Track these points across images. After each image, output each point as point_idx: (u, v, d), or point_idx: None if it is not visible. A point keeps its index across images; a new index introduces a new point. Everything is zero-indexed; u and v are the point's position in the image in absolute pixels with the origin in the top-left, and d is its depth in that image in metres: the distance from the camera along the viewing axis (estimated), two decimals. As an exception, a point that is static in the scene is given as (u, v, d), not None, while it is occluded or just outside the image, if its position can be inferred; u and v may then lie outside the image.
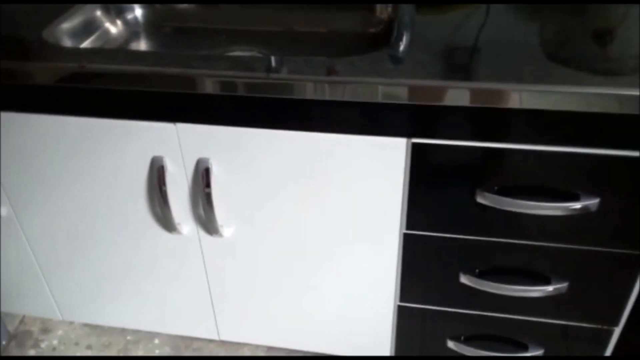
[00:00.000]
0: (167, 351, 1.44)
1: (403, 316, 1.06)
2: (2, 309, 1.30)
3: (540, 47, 0.82)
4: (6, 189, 1.04)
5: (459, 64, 0.80)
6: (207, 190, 0.94)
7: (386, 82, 0.78)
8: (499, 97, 0.77)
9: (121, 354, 1.44)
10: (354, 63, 0.81)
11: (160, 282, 1.12)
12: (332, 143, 0.87)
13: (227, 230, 1.00)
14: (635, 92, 0.73)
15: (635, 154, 0.79)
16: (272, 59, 0.82)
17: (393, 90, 0.78)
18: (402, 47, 0.84)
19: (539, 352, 1.04)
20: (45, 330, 1.51)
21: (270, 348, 1.43)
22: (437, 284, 1.00)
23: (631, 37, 0.84)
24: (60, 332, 1.51)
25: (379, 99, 0.79)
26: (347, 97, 0.80)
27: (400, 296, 1.03)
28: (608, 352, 1.03)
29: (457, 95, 0.77)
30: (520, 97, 0.76)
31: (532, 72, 0.77)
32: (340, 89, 0.79)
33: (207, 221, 0.98)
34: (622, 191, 0.83)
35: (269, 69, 0.80)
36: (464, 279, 0.97)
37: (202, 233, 1.02)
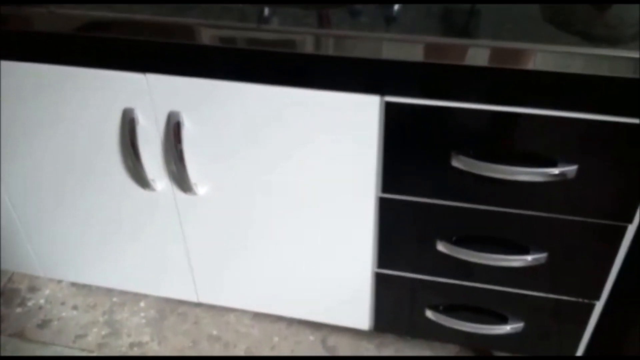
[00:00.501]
0: (152, 314, 1.44)
1: (381, 283, 1.04)
2: (-13, 264, 1.30)
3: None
4: (-19, 141, 1.03)
5: (444, 21, 0.76)
6: (178, 146, 0.92)
7: (362, 36, 0.74)
8: (473, 55, 0.73)
9: (106, 316, 1.45)
10: (334, 15, 0.77)
11: (138, 241, 1.12)
12: (306, 98, 0.84)
13: (201, 188, 0.98)
14: (622, 54, 0.69)
15: (615, 119, 0.75)
16: (251, 7, 0.79)
17: (367, 44, 0.75)
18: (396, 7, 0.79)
19: (519, 325, 1.01)
20: (33, 288, 1.52)
21: (255, 314, 1.43)
22: (413, 250, 0.97)
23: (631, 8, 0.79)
24: (47, 292, 1.51)
25: (354, 54, 0.76)
26: (322, 51, 0.77)
27: (378, 262, 1.01)
28: (589, 327, 0.99)
29: (434, 51, 0.74)
30: (494, 54, 0.72)
31: (511, 30, 0.73)
32: (315, 42, 0.76)
33: (180, 178, 0.96)
34: (601, 158, 0.79)
35: (254, 18, 0.77)
36: (440, 246, 0.94)
37: (177, 190, 1.00)
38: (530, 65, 0.71)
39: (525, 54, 0.71)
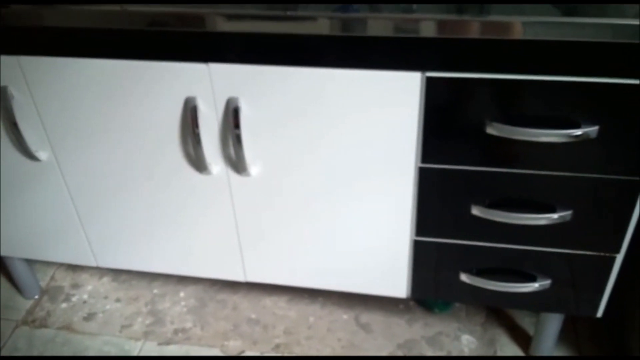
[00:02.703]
0: (192, 303, 1.53)
1: (419, 250, 1.14)
2: (37, 257, 1.37)
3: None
4: (49, 134, 1.12)
5: (470, 3, 0.87)
6: (236, 131, 1.02)
7: (401, 17, 0.85)
8: (505, 29, 0.84)
9: (149, 306, 1.52)
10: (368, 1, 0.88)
11: (191, 224, 1.20)
12: (352, 78, 0.94)
13: (254, 168, 1.08)
14: (632, 22, 0.80)
15: (631, 81, 0.87)
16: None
17: (408, 24, 0.85)
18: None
19: (546, 282, 1.11)
20: (75, 285, 1.60)
21: (290, 298, 1.51)
22: (450, 216, 1.07)
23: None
24: (89, 287, 1.59)
25: (394, 34, 0.87)
26: (364, 33, 0.87)
27: (417, 230, 1.11)
28: (611, 279, 1.10)
29: (468, 27, 0.85)
30: (524, 29, 0.83)
31: (535, 8, 0.84)
32: (358, 25, 0.87)
33: (236, 160, 1.05)
34: (620, 118, 0.90)
35: (286, 6, 0.88)
36: (475, 210, 1.04)
37: (231, 172, 1.09)
38: (554, 36, 0.83)
39: (549, 27, 0.82)
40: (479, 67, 0.90)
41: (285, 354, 1.39)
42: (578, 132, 0.91)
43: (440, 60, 0.90)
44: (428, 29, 0.86)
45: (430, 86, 0.93)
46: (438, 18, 0.85)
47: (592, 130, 0.91)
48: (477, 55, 0.89)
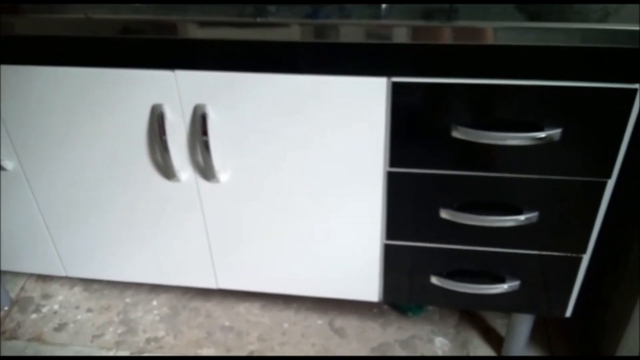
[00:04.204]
0: (165, 311, 1.51)
1: (389, 254, 1.14)
2: (5, 268, 1.35)
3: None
4: (14, 143, 1.10)
5: (437, 10, 0.88)
6: (204, 138, 1.01)
7: (368, 23, 0.86)
8: (476, 35, 0.85)
9: (120, 315, 1.51)
10: (337, 8, 0.89)
11: (161, 232, 1.19)
12: (319, 84, 0.95)
13: (223, 175, 1.07)
14: (594, 26, 0.81)
15: (592, 84, 0.88)
16: (260, 5, 0.90)
17: (380, 30, 0.86)
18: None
19: (515, 283, 1.13)
20: (46, 296, 1.58)
21: (264, 304, 1.51)
22: (419, 220, 1.08)
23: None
24: (60, 297, 1.57)
25: (362, 40, 0.87)
26: (335, 39, 0.88)
27: (387, 234, 1.11)
28: (578, 279, 1.11)
29: (435, 33, 0.86)
30: (495, 34, 0.84)
31: (501, 13, 0.85)
32: (329, 31, 0.87)
33: (205, 167, 1.05)
34: (582, 121, 0.92)
35: (256, 14, 0.88)
36: (444, 214, 1.05)
37: (200, 179, 1.09)
38: (513, 41, 0.84)
39: (515, 32, 0.84)
40: (445, 72, 0.91)
41: (259, 361, 1.38)
42: (542, 134, 0.93)
43: (407, 65, 0.91)
44: (400, 35, 0.87)
45: (396, 91, 0.94)
46: (411, 24, 0.86)
47: (556, 132, 0.93)
48: (444, 60, 0.90)
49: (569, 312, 1.18)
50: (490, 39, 0.85)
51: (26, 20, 0.94)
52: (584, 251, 1.07)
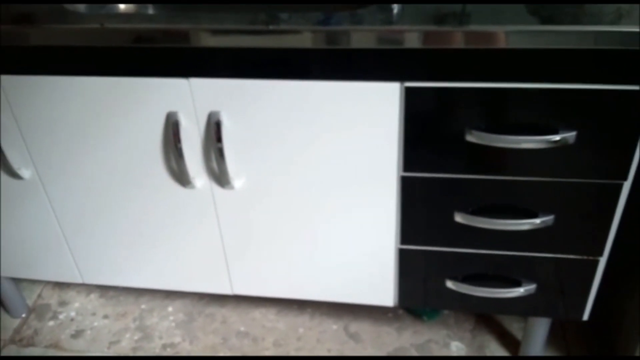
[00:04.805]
0: (180, 317, 1.52)
1: (404, 259, 1.14)
2: (22, 275, 1.37)
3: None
4: (31, 152, 1.11)
5: (449, 14, 0.88)
6: (218, 145, 1.02)
7: (380, 29, 0.86)
8: (488, 39, 0.85)
9: (137, 322, 1.52)
10: (349, 14, 0.89)
11: (176, 239, 1.20)
12: (332, 90, 0.95)
13: (237, 181, 1.08)
14: (608, 28, 0.81)
15: (606, 87, 0.88)
16: (272, 12, 0.91)
17: (391, 36, 0.86)
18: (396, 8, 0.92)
19: (531, 287, 1.12)
20: (63, 303, 1.59)
21: (279, 310, 1.51)
22: (434, 224, 1.08)
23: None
24: (77, 304, 1.58)
25: (373, 45, 0.88)
26: (347, 45, 0.88)
27: (402, 239, 1.11)
28: (595, 282, 1.10)
29: (447, 38, 0.86)
30: (507, 38, 0.84)
31: (514, 17, 0.85)
32: (341, 37, 0.87)
33: (219, 174, 1.06)
34: (597, 123, 0.91)
35: (268, 21, 0.89)
36: (458, 218, 1.05)
37: (214, 186, 1.09)
38: (525, 45, 0.84)
39: (528, 35, 0.84)
40: (458, 76, 0.91)
41: (275, 366, 1.39)
42: (556, 137, 0.92)
43: (420, 70, 0.91)
44: (412, 40, 0.87)
45: (410, 96, 0.94)
46: (422, 29, 0.86)
47: (570, 135, 0.92)
48: (457, 64, 0.90)
49: (586, 316, 1.17)
50: (502, 43, 0.85)
51: (41, 31, 0.95)
52: (600, 254, 1.06)
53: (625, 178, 0.96)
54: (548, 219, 1.02)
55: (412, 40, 0.87)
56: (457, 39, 0.86)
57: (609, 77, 0.87)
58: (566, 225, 1.03)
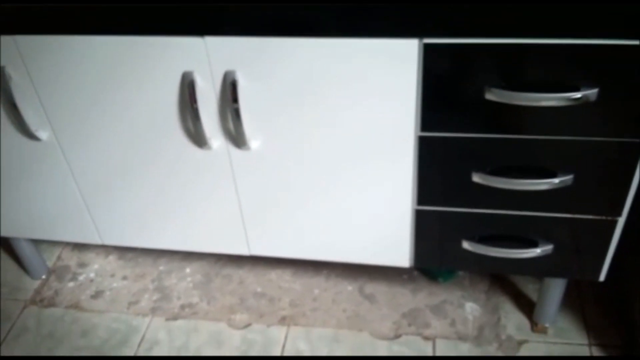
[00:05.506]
0: (198, 278, 1.54)
1: (421, 220, 1.14)
2: (42, 237, 1.38)
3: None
4: (48, 114, 1.12)
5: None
6: (234, 105, 1.02)
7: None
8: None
9: (155, 283, 1.54)
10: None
11: (194, 201, 1.21)
12: (350, 47, 0.94)
13: (254, 142, 1.08)
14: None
15: (630, 42, 0.86)
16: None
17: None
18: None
19: (548, 247, 1.12)
20: (82, 264, 1.61)
21: (295, 271, 1.53)
22: (451, 184, 1.07)
23: None
24: (96, 266, 1.61)
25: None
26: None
27: (418, 200, 1.11)
28: (613, 243, 1.10)
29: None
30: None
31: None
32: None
33: (236, 135, 1.05)
34: (619, 80, 0.90)
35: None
36: (476, 178, 1.05)
37: (231, 147, 1.09)
38: None
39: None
40: (477, 32, 0.89)
41: (292, 326, 1.40)
42: (578, 95, 0.91)
43: (438, 26, 0.89)
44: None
45: (428, 53, 0.92)
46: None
47: (592, 92, 0.91)
48: (475, 19, 0.88)
49: (602, 277, 1.17)
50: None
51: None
52: (619, 214, 1.05)
53: (646, 137, 0.95)
54: (567, 178, 1.01)
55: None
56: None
57: (631, 32, 0.85)
58: (585, 185, 1.02)
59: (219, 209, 1.21)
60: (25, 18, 1.00)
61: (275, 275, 1.53)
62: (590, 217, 1.07)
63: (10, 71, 1.07)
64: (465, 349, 1.32)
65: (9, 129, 1.15)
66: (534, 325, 1.35)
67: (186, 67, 1.01)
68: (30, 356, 1.41)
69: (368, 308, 1.43)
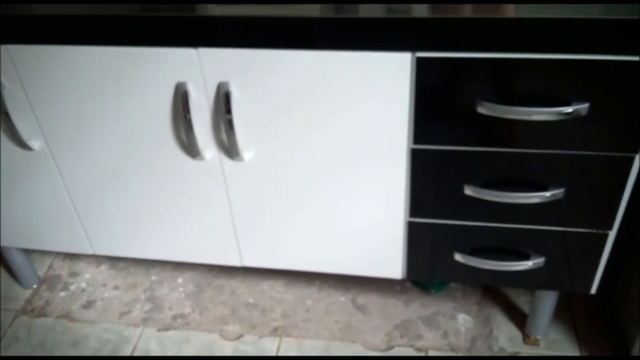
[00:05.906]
0: (190, 288, 1.54)
1: (413, 231, 1.14)
2: (33, 246, 1.38)
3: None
4: (40, 123, 1.12)
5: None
6: (228, 116, 1.02)
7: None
8: (497, 7, 0.84)
9: (147, 293, 1.53)
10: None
11: (186, 211, 1.21)
12: (343, 60, 0.94)
13: (247, 153, 1.08)
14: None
15: (621, 57, 0.87)
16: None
17: (398, 6, 0.85)
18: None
19: (540, 260, 1.12)
20: (73, 274, 1.61)
21: (287, 282, 1.52)
22: (443, 197, 1.08)
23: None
24: (87, 276, 1.60)
25: (386, 14, 0.87)
26: (355, 14, 0.87)
27: (410, 212, 1.11)
28: (604, 256, 1.10)
29: (459, 7, 0.85)
30: (516, 6, 0.83)
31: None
32: (346, 6, 0.86)
33: (229, 145, 1.06)
34: (610, 95, 0.90)
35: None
36: (468, 190, 1.05)
37: (224, 157, 1.09)
38: (536, 14, 0.84)
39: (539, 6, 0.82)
40: (469, 46, 0.90)
41: (284, 337, 1.40)
42: (569, 109, 0.92)
43: (431, 40, 0.90)
44: (420, 9, 0.86)
45: (421, 66, 0.93)
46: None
47: (583, 107, 0.92)
48: (468, 34, 0.89)
49: (594, 289, 1.18)
50: (511, 12, 0.84)
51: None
52: (610, 228, 1.06)
53: (637, 151, 0.96)
54: (558, 192, 1.02)
55: (422, 8, 0.86)
56: (468, 7, 0.85)
57: (622, 48, 0.86)
58: (576, 199, 1.03)
59: (211, 219, 1.21)
60: (19, 28, 1.00)
61: (267, 286, 1.53)
62: (582, 230, 1.07)
63: (3, 80, 1.07)
64: (457, 361, 1.32)
65: (1, 138, 1.15)
66: (526, 337, 1.35)
67: (180, 78, 1.01)
68: (32, 356, 1.40)
69: (360, 319, 1.43)
